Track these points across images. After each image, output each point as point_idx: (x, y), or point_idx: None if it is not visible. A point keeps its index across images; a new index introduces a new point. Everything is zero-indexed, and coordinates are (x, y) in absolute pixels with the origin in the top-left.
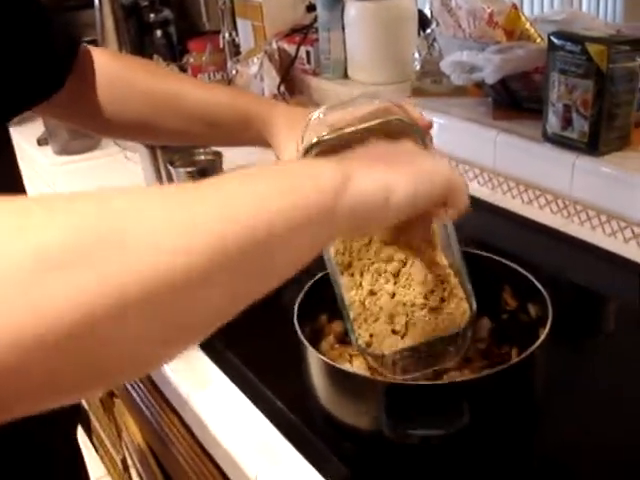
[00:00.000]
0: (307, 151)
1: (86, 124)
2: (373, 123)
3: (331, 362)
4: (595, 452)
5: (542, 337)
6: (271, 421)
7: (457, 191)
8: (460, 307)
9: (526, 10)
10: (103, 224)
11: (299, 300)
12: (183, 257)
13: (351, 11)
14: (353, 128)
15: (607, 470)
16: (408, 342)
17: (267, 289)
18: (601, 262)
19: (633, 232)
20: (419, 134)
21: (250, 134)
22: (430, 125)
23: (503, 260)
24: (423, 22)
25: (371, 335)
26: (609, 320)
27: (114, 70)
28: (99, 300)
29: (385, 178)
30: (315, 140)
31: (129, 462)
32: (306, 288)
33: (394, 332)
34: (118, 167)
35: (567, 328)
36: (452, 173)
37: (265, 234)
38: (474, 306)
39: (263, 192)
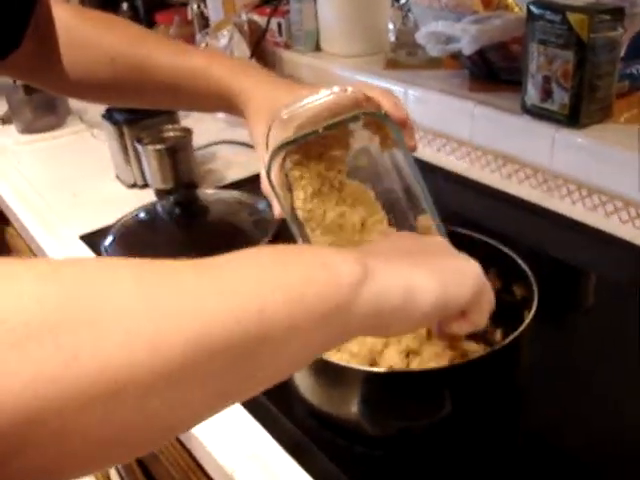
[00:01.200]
0: (272, 158)
1: (47, 84)
2: (337, 120)
3: None
4: (580, 433)
5: (527, 321)
6: (249, 411)
7: (484, 300)
8: None
9: None
10: (77, 302)
11: None
12: (163, 351)
13: None
14: (317, 128)
15: (594, 452)
16: None
17: (262, 388)
18: (582, 237)
19: (615, 206)
20: (392, 128)
21: (222, 106)
22: (404, 118)
23: (487, 239)
24: None
25: None
26: (591, 296)
27: (78, 29)
28: (57, 385)
29: (411, 276)
30: (278, 145)
31: None
32: None
33: None
34: (84, 145)
35: (550, 306)
36: (483, 276)
37: (262, 329)
38: None
39: (268, 279)
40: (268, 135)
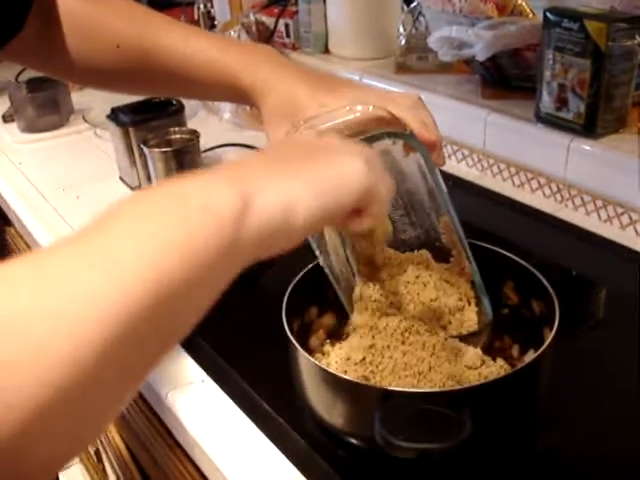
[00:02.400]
0: None
1: (51, 70)
2: (365, 136)
3: (324, 366)
4: (600, 454)
5: (548, 340)
6: (256, 423)
7: (376, 192)
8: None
9: None
10: None
11: (288, 294)
12: (73, 343)
13: None
14: None
15: (614, 473)
16: None
17: (185, 330)
18: (596, 249)
19: (631, 218)
20: (419, 148)
21: (235, 98)
22: (432, 141)
23: (505, 252)
24: None
25: None
26: (607, 311)
27: (81, 12)
28: None
29: (288, 191)
30: None
31: (103, 456)
32: (295, 280)
33: None
34: (87, 145)
35: (568, 322)
36: (366, 177)
37: (165, 292)
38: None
39: (154, 245)
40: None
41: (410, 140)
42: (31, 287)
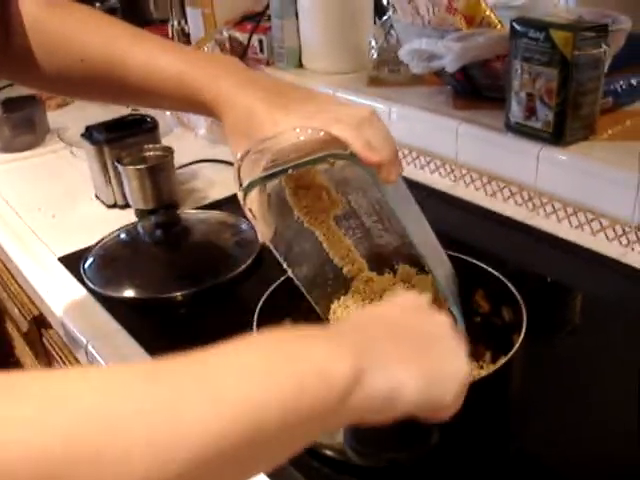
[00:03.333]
0: (245, 193)
1: (12, 76)
2: (304, 160)
3: None
4: (575, 455)
5: (515, 347)
6: None
7: (455, 405)
8: None
9: None
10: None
11: (259, 308)
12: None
13: None
14: (287, 167)
15: (589, 473)
16: None
17: (256, 474)
18: (568, 255)
19: (601, 224)
20: (363, 169)
21: (199, 111)
22: (374, 162)
23: (475, 261)
24: (379, 9)
25: None
26: (579, 315)
27: (46, 24)
28: None
29: (399, 377)
30: (247, 185)
31: None
32: (267, 293)
33: None
34: (63, 164)
35: (539, 327)
36: (468, 378)
37: (257, 439)
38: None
39: (262, 396)
40: (239, 169)
41: (351, 161)
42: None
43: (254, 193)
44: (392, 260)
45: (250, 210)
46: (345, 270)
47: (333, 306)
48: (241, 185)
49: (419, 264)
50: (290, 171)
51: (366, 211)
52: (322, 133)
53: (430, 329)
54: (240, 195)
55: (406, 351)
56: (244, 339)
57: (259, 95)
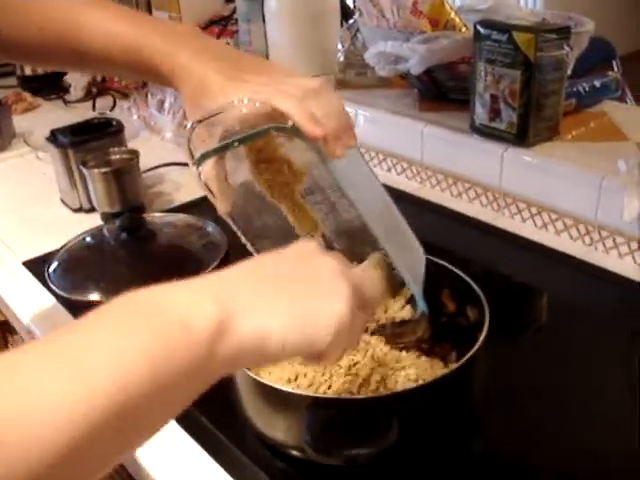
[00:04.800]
0: (198, 164)
1: None
2: (249, 134)
3: (253, 375)
4: (538, 453)
5: (475, 347)
6: (196, 439)
7: (340, 341)
8: None
9: None
10: None
11: None
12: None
13: (271, 3)
14: (232, 140)
15: (552, 471)
16: None
17: (151, 433)
18: (533, 255)
19: (565, 224)
20: (305, 142)
21: (157, 81)
22: (317, 135)
23: (440, 261)
24: (345, 12)
25: None
26: (543, 315)
27: None
28: None
29: (267, 322)
30: (198, 157)
31: None
32: None
33: None
34: (29, 169)
35: (503, 327)
36: (342, 326)
37: (133, 400)
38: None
39: (126, 357)
40: (189, 141)
41: (294, 134)
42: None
43: (210, 166)
44: (360, 236)
45: (206, 184)
46: None
47: None
48: (192, 157)
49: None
50: (236, 144)
51: (330, 185)
52: (257, 104)
53: (309, 271)
54: (193, 169)
55: (274, 294)
56: (106, 304)
57: (213, 65)
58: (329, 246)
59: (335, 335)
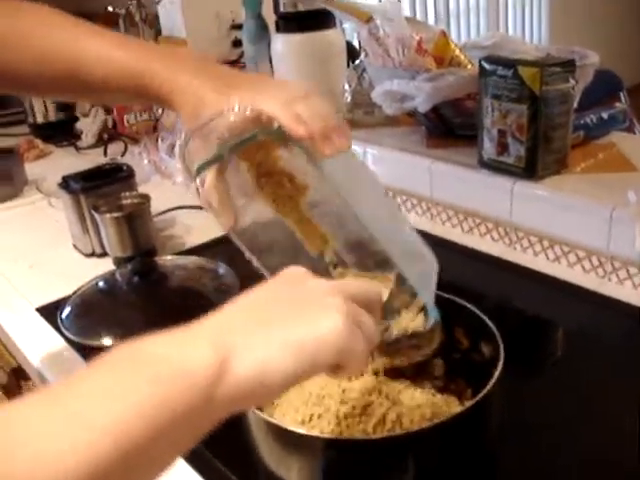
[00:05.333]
0: (196, 177)
1: None
2: (237, 141)
3: (266, 417)
4: None
5: (490, 384)
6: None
7: (354, 349)
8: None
9: (453, 36)
10: None
11: None
12: None
13: (277, 45)
14: (222, 151)
15: None
16: None
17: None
18: (546, 288)
19: (577, 256)
20: (293, 144)
21: (158, 104)
22: (302, 135)
23: (454, 298)
24: (352, 53)
25: None
26: (559, 349)
27: (2, 23)
28: None
29: (265, 356)
30: (197, 166)
31: None
32: None
33: None
34: (41, 215)
35: (519, 362)
36: (343, 336)
37: (131, 451)
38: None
39: (123, 407)
40: (183, 155)
41: (279, 136)
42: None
43: (210, 181)
44: (371, 247)
45: (206, 199)
46: (327, 259)
47: None
48: (189, 171)
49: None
50: (225, 153)
51: (330, 193)
52: (237, 109)
53: (299, 295)
54: (191, 184)
55: (269, 325)
56: (106, 355)
57: (210, 85)
58: (340, 262)
59: (336, 347)
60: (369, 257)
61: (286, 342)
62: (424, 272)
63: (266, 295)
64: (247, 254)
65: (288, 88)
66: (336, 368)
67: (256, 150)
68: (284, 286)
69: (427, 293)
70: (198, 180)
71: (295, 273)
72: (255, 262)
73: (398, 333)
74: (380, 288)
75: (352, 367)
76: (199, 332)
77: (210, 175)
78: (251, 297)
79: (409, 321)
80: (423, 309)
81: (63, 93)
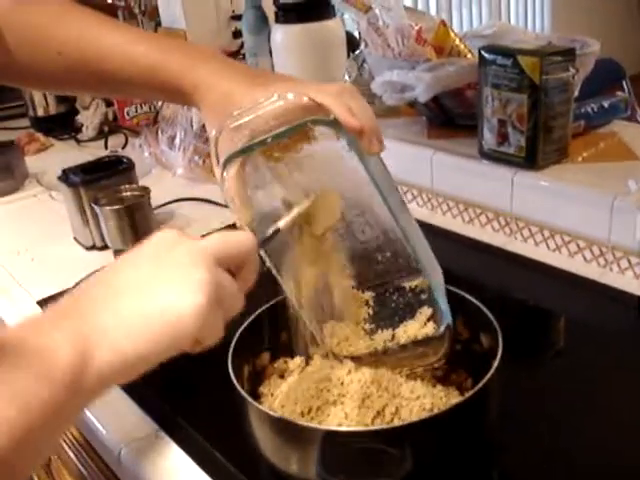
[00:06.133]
0: (223, 169)
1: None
2: (284, 129)
3: (266, 410)
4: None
5: (488, 375)
6: (210, 474)
7: (208, 332)
8: None
9: (455, 26)
10: None
11: (236, 338)
12: None
13: (277, 36)
14: (266, 138)
15: None
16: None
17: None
18: (547, 278)
19: (578, 246)
20: (342, 135)
21: (177, 101)
22: (356, 127)
23: (453, 288)
24: (352, 43)
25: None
26: (560, 338)
27: (21, 17)
28: None
29: (120, 343)
30: (226, 158)
31: None
32: (245, 324)
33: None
34: (42, 208)
35: (519, 352)
36: (202, 316)
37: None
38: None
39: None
40: (216, 144)
41: (332, 127)
42: None
43: (232, 176)
44: (377, 258)
45: (229, 193)
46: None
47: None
48: (219, 162)
49: (407, 264)
50: (269, 140)
51: (347, 204)
52: (292, 96)
53: (163, 264)
54: (218, 173)
55: (127, 298)
56: None
57: (238, 78)
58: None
59: (195, 324)
60: (371, 267)
61: (144, 321)
62: (437, 276)
63: (130, 268)
64: (274, 271)
65: (331, 85)
66: (194, 343)
67: (278, 149)
68: (151, 251)
69: (442, 297)
70: (225, 172)
71: (165, 237)
72: (268, 262)
73: (406, 341)
74: (252, 237)
75: (208, 342)
76: (58, 323)
77: (234, 168)
78: (117, 263)
79: (418, 328)
80: (431, 317)
81: (84, 88)
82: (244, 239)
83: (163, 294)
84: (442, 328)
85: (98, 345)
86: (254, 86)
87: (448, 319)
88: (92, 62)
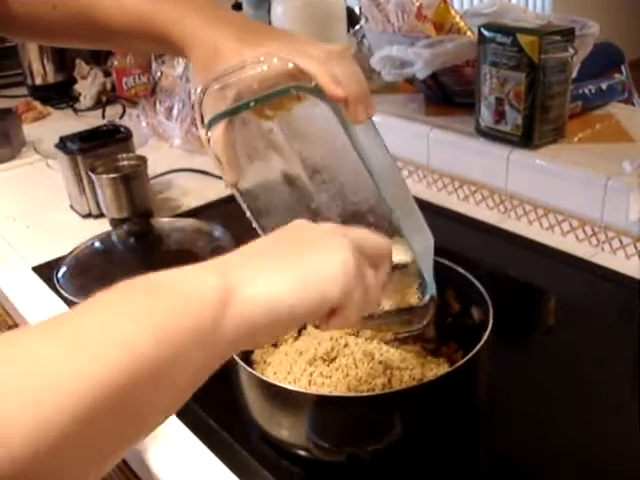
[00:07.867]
0: (209, 127)
1: None
2: (267, 93)
3: (258, 374)
4: (541, 453)
5: (477, 347)
6: (201, 438)
7: (355, 295)
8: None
9: (456, 3)
10: None
11: None
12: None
13: (278, 9)
14: (248, 101)
15: (555, 471)
16: None
17: (160, 411)
18: (539, 256)
19: (571, 225)
20: (327, 103)
21: (168, 51)
22: (340, 96)
23: (445, 262)
24: (352, 18)
25: None
26: (550, 316)
27: None
28: None
29: (271, 288)
30: (210, 119)
31: None
32: None
33: None
34: (39, 176)
35: (508, 327)
36: (352, 271)
37: (138, 373)
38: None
39: (130, 328)
40: (200, 104)
41: (315, 94)
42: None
43: (218, 132)
44: (367, 220)
45: (214, 152)
46: None
47: None
48: (203, 122)
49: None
50: (252, 104)
51: (341, 157)
52: (290, 65)
53: (307, 237)
54: (202, 133)
55: (278, 261)
56: (101, 294)
57: (228, 31)
58: None
59: (344, 283)
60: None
61: (295, 276)
62: (425, 246)
63: (274, 239)
64: (248, 214)
65: (321, 46)
66: (331, 314)
67: (268, 107)
68: (291, 232)
69: (427, 268)
70: (209, 132)
71: (301, 222)
72: (254, 224)
73: (390, 307)
74: (390, 243)
75: (346, 315)
76: (207, 265)
77: (220, 127)
78: (259, 242)
79: (403, 295)
80: (419, 285)
81: (79, 39)
82: (384, 243)
83: (311, 255)
84: (426, 298)
85: (247, 285)
86: (243, 42)
87: (432, 290)
88: (85, 14)
